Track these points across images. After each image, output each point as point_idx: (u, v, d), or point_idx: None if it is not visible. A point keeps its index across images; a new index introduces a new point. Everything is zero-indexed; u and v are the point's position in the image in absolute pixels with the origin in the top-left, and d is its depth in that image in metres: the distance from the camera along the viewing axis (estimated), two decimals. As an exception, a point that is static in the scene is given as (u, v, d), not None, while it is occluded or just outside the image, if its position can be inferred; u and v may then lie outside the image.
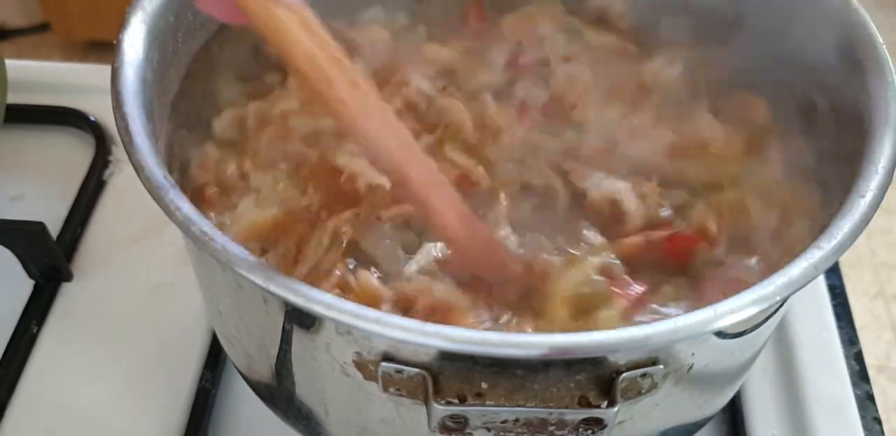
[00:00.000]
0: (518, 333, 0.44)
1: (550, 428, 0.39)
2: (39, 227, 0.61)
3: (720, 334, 0.41)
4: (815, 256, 0.38)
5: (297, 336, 0.42)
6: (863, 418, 0.59)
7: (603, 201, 0.51)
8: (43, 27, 1.97)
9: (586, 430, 0.39)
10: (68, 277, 0.65)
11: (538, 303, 0.46)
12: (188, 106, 0.51)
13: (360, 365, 0.40)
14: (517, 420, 0.39)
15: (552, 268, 0.47)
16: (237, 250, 0.37)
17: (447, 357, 0.38)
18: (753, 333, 0.45)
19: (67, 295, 0.64)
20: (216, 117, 0.54)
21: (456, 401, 0.38)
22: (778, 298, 0.37)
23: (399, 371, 0.39)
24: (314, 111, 0.53)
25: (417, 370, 0.38)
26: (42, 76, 0.77)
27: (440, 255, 0.47)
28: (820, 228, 0.40)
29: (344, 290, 0.46)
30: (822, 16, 0.49)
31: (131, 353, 0.61)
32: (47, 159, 0.73)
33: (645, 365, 0.38)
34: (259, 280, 0.37)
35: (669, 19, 0.57)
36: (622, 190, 0.50)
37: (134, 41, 0.45)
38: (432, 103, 0.55)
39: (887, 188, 0.41)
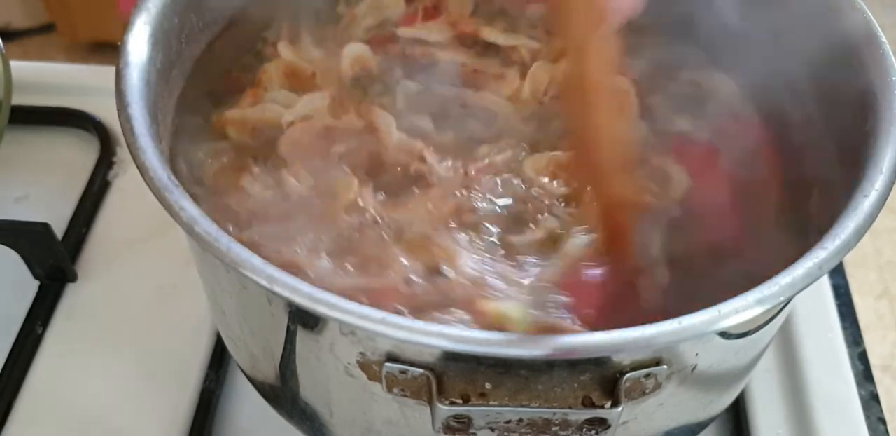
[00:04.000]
0: (521, 334, 0.44)
1: (554, 428, 0.39)
2: (44, 228, 0.61)
3: (724, 334, 0.41)
4: (820, 255, 0.38)
5: (301, 337, 0.42)
6: (867, 418, 0.59)
7: None
8: (47, 28, 1.97)
9: (590, 430, 0.39)
10: (73, 277, 0.65)
11: None
12: (192, 107, 0.51)
13: (364, 366, 0.40)
14: (521, 420, 0.39)
15: None
16: (241, 251, 0.37)
17: (451, 357, 0.38)
18: (757, 333, 0.45)
19: (72, 296, 0.64)
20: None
21: (460, 401, 0.38)
22: (782, 297, 0.37)
23: (403, 371, 0.39)
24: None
25: (421, 371, 0.38)
26: (46, 77, 0.77)
27: None
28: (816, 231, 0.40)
29: None
30: (826, 15, 0.49)
31: (135, 353, 0.61)
32: (52, 160, 0.73)
33: (649, 365, 0.38)
34: (263, 281, 0.37)
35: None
36: None
37: (138, 42, 0.45)
38: None
39: (892, 188, 0.41)
